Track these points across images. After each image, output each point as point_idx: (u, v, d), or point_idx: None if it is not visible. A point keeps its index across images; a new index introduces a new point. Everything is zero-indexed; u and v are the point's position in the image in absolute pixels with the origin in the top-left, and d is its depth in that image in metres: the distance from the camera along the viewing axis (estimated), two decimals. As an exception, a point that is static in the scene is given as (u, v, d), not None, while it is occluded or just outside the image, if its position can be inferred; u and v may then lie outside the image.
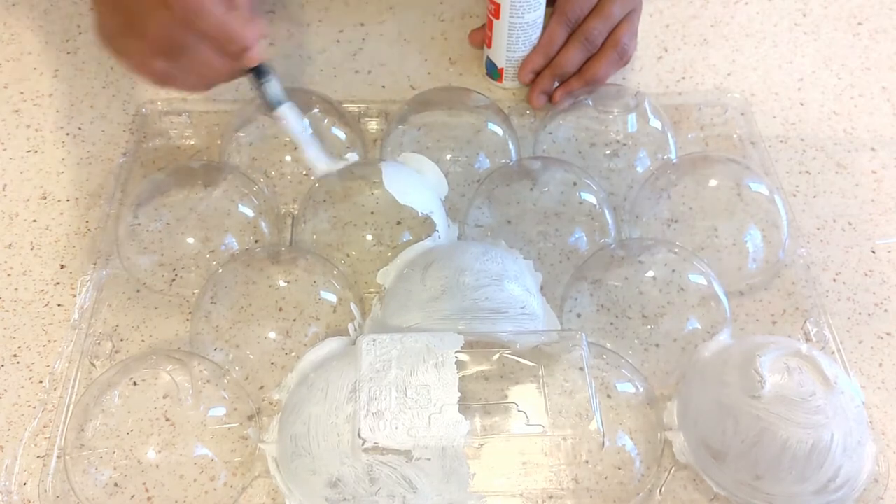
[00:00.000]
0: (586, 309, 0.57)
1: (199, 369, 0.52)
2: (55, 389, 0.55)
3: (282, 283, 0.57)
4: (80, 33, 0.78)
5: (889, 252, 0.63)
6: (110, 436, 0.50)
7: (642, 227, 0.62)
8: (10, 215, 0.65)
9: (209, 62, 0.54)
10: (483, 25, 0.72)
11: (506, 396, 0.49)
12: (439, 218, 0.60)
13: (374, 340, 0.49)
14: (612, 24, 0.68)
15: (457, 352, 0.48)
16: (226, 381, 0.53)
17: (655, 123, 0.67)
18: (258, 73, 0.56)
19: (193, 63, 0.53)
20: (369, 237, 0.60)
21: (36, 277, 0.61)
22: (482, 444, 0.49)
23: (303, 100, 0.66)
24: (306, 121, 0.58)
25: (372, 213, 0.60)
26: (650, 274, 0.57)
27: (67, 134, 0.70)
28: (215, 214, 0.61)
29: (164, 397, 0.51)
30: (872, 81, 0.75)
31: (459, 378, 0.47)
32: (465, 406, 0.47)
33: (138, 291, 0.60)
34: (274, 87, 0.57)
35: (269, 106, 0.57)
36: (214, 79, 0.56)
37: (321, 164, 0.59)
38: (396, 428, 0.46)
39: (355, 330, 0.56)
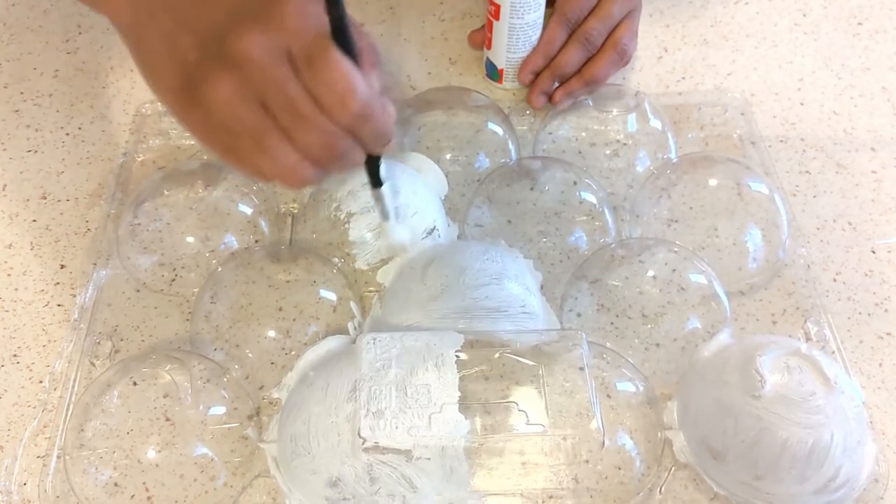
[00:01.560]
0: (586, 309, 0.57)
1: (198, 369, 0.52)
2: (55, 389, 0.55)
3: (282, 283, 0.57)
4: (80, 33, 0.78)
5: (889, 252, 0.63)
6: (110, 436, 0.50)
7: (642, 227, 0.62)
8: (10, 215, 0.65)
9: (355, 161, 0.47)
10: (483, 26, 0.72)
11: (506, 396, 0.49)
12: (439, 218, 0.60)
13: (374, 339, 0.49)
14: (611, 25, 0.68)
15: (457, 351, 0.48)
16: (225, 380, 0.53)
17: (655, 123, 0.67)
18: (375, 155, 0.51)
19: (342, 166, 0.46)
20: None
21: (36, 277, 0.61)
22: (482, 444, 0.49)
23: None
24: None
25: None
26: (650, 274, 0.57)
27: (67, 134, 0.70)
28: (215, 214, 0.61)
29: (164, 397, 0.51)
30: (872, 81, 0.75)
31: (459, 377, 0.47)
32: (465, 405, 0.47)
33: (138, 291, 0.60)
34: (383, 167, 0.53)
35: (375, 184, 0.53)
36: (344, 171, 0.51)
37: (403, 240, 0.58)
38: (396, 427, 0.46)
39: (355, 329, 0.56)
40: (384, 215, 0.56)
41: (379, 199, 0.54)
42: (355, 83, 0.42)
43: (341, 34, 0.42)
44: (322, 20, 0.42)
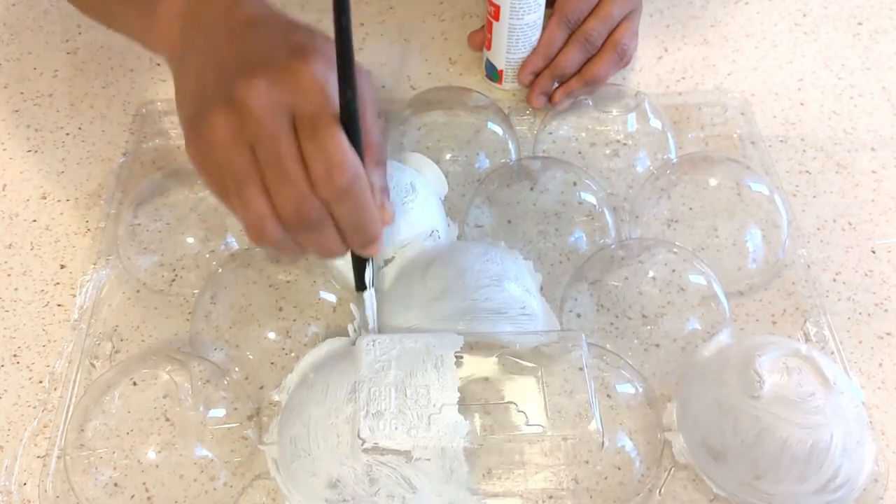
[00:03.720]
0: (586, 309, 0.57)
1: (198, 369, 0.52)
2: (55, 389, 0.55)
3: (282, 284, 0.57)
4: (79, 33, 0.78)
5: (889, 252, 0.63)
6: (110, 436, 0.50)
7: (642, 227, 0.62)
8: (10, 215, 0.65)
9: (328, 244, 0.46)
10: (482, 27, 0.72)
11: (505, 397, 0.49)
12: (439, 218, 0.60)
13: (373, 341, 0.49)
14: (611, 25, 0.68)
15: (456, 352, 0.48)
16: (226, 381, 0.53)
17: (655, 123, 0.67)
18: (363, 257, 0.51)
19: (311, 240, 0.46)
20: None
21: (36, 277, 0.61)
22: (482, 445, 0.49)
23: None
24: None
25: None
26: (650, 274, 0.57)
27: (67, 134, 0.70)
28: (215, 214, 0.61)
29: (164, 397, 0.51)
30: (872, 81, 0.75)
31: (459, 378, 0.47)
32: (464, 406, 0.47)
33: (138, 291, 0.60)
34: (370, 272, 0.52)
35: (359, 287, 0.52)
36: (319, 257, 0.50)
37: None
38: (396, 428, 0.46)
39: (355, 330, 0.56)
40: (362, 323, 0.54)
41: (359, 305, 0.53)
42: (349, 162, 0.42)
43: (349, 117, 0.43)
44: (336, 94, 0.43)
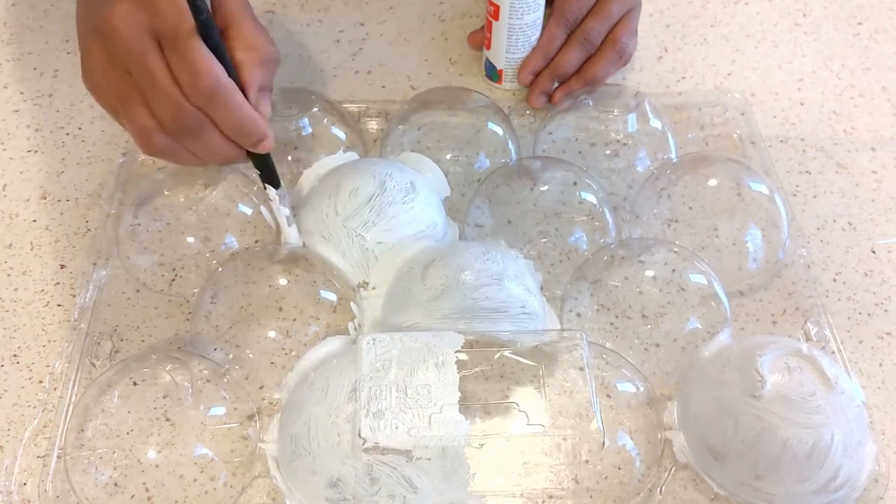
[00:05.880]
0: (586, 309, 0.57)
1: (198, 369, 0.52)
2: (55, 389, 0.55)
3: (282, 283, 0.57)
4: (80, 33, 0.78)
5: (889, 252, 0.63)
6: (110, 436, 0.50)
7: (642, 227, 0.62)
8: (10, 215, 0.65)
9: (216, 148, 0.51)
10: (482, 27, 0.72)
11: (506, 396, 0.49)
12: (439, 218, 0.60)
13: (374, 340, 0.49)
14: (610, 24, 0.68)
15: (457, 351, 0.48)
16: (226, 380, 0.53)
17: (655, 123, 0.67)
18: (259, 155, 0.54)
19: (197, 145, 0.50)
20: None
21: (36, 277, 0.61)
22: (482, 444, 0.49)
23: (303, 100, 0.67)
24: (288, 209, 0.57)
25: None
26: (650, 274, 0.57)
27: (67, 134, 0.70)
28: (215, 214, 0.61)
29: (164, 397, 0.51)
30: (872, 81, 0.75)
31: (460, 378, 0.47)
32: (465, 406, 0.47)
33: (138, 291, 0.60)
34: (272, 170, 0.55)
35: (265, 186, 0.56)
36: (215, 162, 0.54)
37: (294, 242, 0.59)
38: (397, 428, 0.46)
39: (355, 329, 0.56)
40: (278, 222, 0.58)
41: (268, 201, 0.57)
42: (208, 68, 0.47)
43: (206, 31, 0.47)
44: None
